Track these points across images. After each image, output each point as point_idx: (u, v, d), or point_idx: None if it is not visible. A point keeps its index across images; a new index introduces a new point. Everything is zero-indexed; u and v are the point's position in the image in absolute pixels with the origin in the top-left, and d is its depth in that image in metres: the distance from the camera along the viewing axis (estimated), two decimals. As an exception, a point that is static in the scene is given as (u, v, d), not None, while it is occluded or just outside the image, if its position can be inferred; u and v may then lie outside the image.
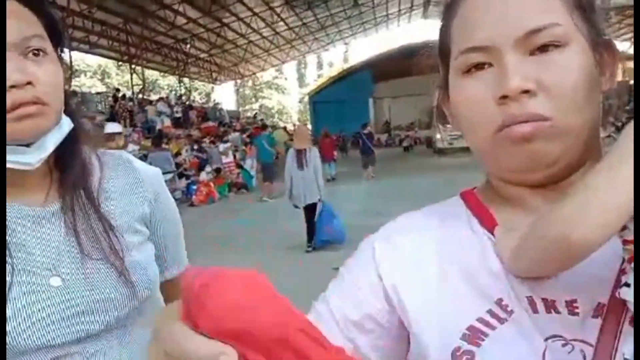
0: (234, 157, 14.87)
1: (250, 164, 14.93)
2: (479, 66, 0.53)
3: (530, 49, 0.50)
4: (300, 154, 6.23)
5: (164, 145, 12.22)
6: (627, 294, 0.43)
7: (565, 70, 0.49)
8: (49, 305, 0.74)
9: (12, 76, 0.68)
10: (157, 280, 0.89)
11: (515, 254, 0.50)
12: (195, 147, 14.71)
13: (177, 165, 12.44)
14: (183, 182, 12.46)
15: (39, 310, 0.73)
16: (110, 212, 0.83)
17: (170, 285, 1.00)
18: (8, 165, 0.72)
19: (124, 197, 0.86)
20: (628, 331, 0.45)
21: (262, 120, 26.71)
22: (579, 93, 0.49)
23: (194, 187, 12.26)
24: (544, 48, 0.50)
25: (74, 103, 0.87)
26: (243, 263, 6.36)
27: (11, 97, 0.68)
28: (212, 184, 12.55)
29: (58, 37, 0.80)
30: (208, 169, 13.10)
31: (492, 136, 0.52)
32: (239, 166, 14.59)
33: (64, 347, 0.75)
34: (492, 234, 0.56)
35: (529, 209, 0.56)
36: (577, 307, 0.50)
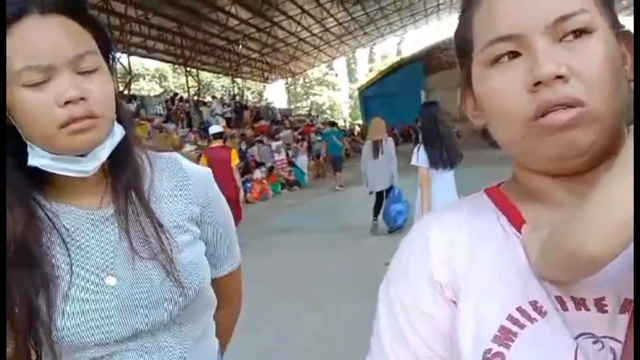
0: (287, 154, 15.04)
1: (303, 161, 15.05)
2: (508, 56, 0.52)
3: (559, 36, 0.50)
4: (376, 144, 6.71)
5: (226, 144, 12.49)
6: None
7: (595, 57, 0.49)
8: (105, 304, 0.78)
9: (67, 92, 0.71)
10: (208, 277, 0.91)
11: (540, 258, 0.50)
12: (248, 147, 14.98)
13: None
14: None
15: (96, 309, 0.77)
16: (161, 213, 0.86)
17: (223, 282, 1.02)
18: (66, 173, 0.76)
19: (174, 198, 0.89)
20: None
21: (330, 118, 26.77)
22: (608, 80, 0.49)
23: (249, 184, 12.52)
24: (573, 34, 0.50)
25: (126, 110, 0.90)
26: (312, 243, 6.80)
27: (66, 112, 0.72)
28: (265, 182, 12.78)
29: (108, 49, 0.83)
30: (262, 168, 13.34)
31: (526, 125, 0.51)
32: (291, 164, 14.75)
33: (119, 343, 0.79)
34: (520, 231, 0.56)
35: (554, 203, 0.56)
36: (605, 305, 0.50)
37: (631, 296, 0.48)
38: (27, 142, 0.75)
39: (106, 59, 0.82)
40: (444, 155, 4.06)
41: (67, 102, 0.72)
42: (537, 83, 0.49)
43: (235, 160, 7.02)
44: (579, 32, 0.50)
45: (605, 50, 0.50)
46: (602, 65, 0.49)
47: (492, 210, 0.60)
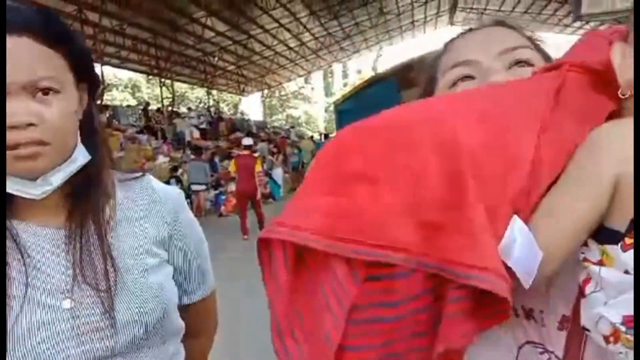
0: (262, 166, 14.97)
1: (279, 174, 15.01)
2: (463, 80, 0.62)
3: (508, 63, 0.61)
4: None
5: (202, 157, 12.40)
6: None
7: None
8: (59, 326, 0.74)
9: (13, 117, 0.69)
10: (173, 302, 0.88)
11: None
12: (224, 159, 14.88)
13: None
14: (212, 193, 12.60)
15: (51, 333, 0.73)
16: (126, 237, 0.83)
17: (195, 309, 0.98)
18: (16, 193, 0.74)
19: (142, 220, 0.86)
20: (592, 342, 0.49)
21: (292, 128, 26.89)
22: None
23: (223, 197, 12.39)
24: (519, 63, 0.62)
25: (101, 134, 0.88)
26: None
27: (11, 137, 0.69)
28: (240, 194, 12.68)
29: (85, 67, 0.80)
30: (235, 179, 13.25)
31: None
32: (268, 175, 14.68)
33: None
34: None
35: None
36: (544, 318, 0.55)
37: (568, 313, 0.53)
38: None
39: (83, 76, 0.79)
40: None
41: (12, 127, 0.69)
42: None
43: (258, 168, 8.89)
44: (522, 62, 0.62)
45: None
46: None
47: None
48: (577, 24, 23.91)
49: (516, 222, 0.47)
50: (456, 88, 0.63)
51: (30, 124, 0.70)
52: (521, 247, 0.45)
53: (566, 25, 25.55)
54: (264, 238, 0.48)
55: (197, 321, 0.99)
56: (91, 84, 0.83)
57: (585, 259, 0.47)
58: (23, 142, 0.70)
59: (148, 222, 0.87)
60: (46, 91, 0.73)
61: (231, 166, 9.31)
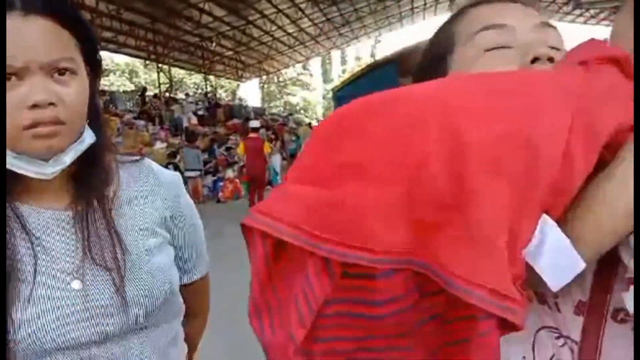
0: (270, 148, 14.93)
1: (277, 161, 15.00)
2: (499, 49, 0.55)
3: (539, 25, 0.56)
4: None
5: (196, 143, 12.39)
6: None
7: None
8: (70, 307, 0.76)
9: (35, 96, 0.70)
10: (176, 282, 0.90)
11: None
12: (222, 146, 14.85)
13: (205, 163, 12.58)
14: (209, 179, 12.60)
15: (61, 313, 0.75)
16: (130, 216, 0.85)
17: (193, 289, 1.01)
18: (24, 173, 0.75)
19: (144, 201, 0.88)
20: (610, 327, 0.47)
21: (290, 115, 26.82)
22: None
23: (221, 183, 12.39)
24: (546, 24, 0.56)
25: (103, 116, 0.90)
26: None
27: (32, 116, 0.71)
28: (237, 181, 12.67)
29: (93, 51, 0.82)
30: (235, 166, 13.23)
31: None
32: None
33: (83, 349, 0.77)
34: None
35: None
36: (558, 304, 0.52)
37: (585, 298, 0.50)
38: None
39: (90, 60, 0.81)
40: None
41: (34, 105, 0.70)
42: (535, 59, 0.52)
43: (267, 149, 9.32)
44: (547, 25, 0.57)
45: None
46: None
47: None
48: (577, 11, 23.75)
49: (547, 223, 0.42)
50: (491, 57, 0.54)
51: (51, 103, 0.72)
52: (552, 251, 0.41)
53: (566, 13, 25.42)
54: (245, 224, 0.46)
55: (195, 301, 1.02)
56: (97, 68, 0.84)
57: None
58: (43, 120, 0.71)
59: (150, 202, 0.89)
60: (63, 72, 0.74)
61: (240, 148, 9.59)
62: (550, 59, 0.52)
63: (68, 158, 0.77)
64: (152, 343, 0.84)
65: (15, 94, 0.70)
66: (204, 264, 1.05)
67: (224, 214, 9.89)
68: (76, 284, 0.77)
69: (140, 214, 0.87)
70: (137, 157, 0.95)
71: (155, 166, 0.96)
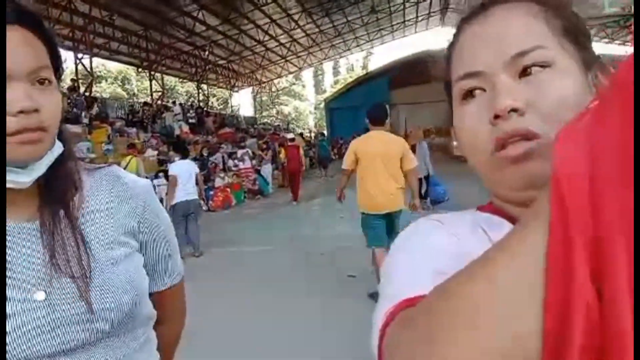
0: (251, 163, 14.94)
1: (268, 170, 14.98)
2: (475, 92, 0.56)
3: (518, 71, 0.53)
4: (413, 147, 8.78)
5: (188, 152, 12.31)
6: None
7: (552, 89, 0.51)
8: (34, 319, 0.75)
9: (21, 103, 0.71)
10: (144, 291, 0.90)
11: None
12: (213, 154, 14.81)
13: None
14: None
15: (26, 323, 0.74)
16: (95, 227, 0.85)
17: (163, 296, 1.00)
18: (8, 184, 0.75)
19: (110, 211, 0.88)
20: None
21: (288, 125, 26.78)
22: (565, 110, 0.50)
23: (211, 192, 12.35)
24: (530, 69, 0.52)
25: (65, 126, 0.90)
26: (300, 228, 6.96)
27: (18, 122, 0.71)
28: (228, 190, 12.64)
29: (59, 65, 0.83)
30: (222, 174, 13.21)
31: (490, 157, 0.54)
32: (256, 171, 14.65)
33: (51, 358, 0.76)
34: None
35: None
36: None
37: None
38: None
39: (56, 74, 0.82)
40: None
41: (20, 112, 0.71)
42: (497, 117, 0.52)
43: (301, 152, 13.77)
44: (537, 67, 0.52)
45: (564, 82, 0.52)
46: (557, 96, 0.51)
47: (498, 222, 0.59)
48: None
49: None
50: (469, 101, 0.56)
51: (35, 110, 0.73)
52: None
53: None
54: None
55: (167, 308, 1.01)
56: (59, 79, 0.86)
57: None
58: (30, 127, 0.72)
59: (117, 211, 0.88)
60: (42, 80, 0.76)
61: (282, 153, 14.67)
62: (514, 110, 0.51)
63: (43, 166, 0.78)
64: (117, 351, 0.83)
65: (19, 100, 0.71)
66: (176, 271, 1.03)
67: (212, 223, 9.84)
68: (40, 295, 0.76)
69: (105, 224, 0.86)
70: (104, 165, 0.95)
71: (123, 173, 0.95)
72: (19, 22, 0.73)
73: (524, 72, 0.53)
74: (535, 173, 0.51)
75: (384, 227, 4.36)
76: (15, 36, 0.72)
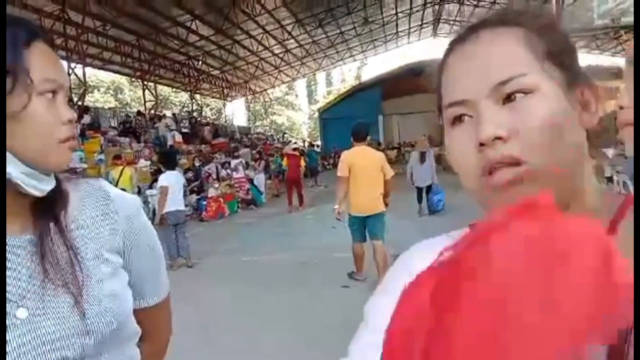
0: (245, 173, 14.92)
1: (261, 180, 14.95)
2: (462, 117, 0.57)
3: (501, 98, 0.54)
4: (422, 154, 9.80)
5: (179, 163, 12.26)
6: None
7: (534, 116, 0.52)
8: (16, 338, 0.73)
9: (69, 113, 0.80)
10: (129, 309, 0.88)
11: None
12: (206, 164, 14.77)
13: (188, 181, 12.47)
14: (193, 198, 12.49)
15: (9, 342, 0.72)
16: (80, 242, 0.83)
17: (148, 314, 0.98)
18: (29, 189, 0.76)
19: (96, 227, 0.86)
20: None
21: (284, 135, 26.86)
22: (548, 134, 0.51)
23: (204, 202, 12.29)
24: (513, 97, 0.53)
25: None
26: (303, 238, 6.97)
27: (70, 130, 0.80)
28: (221, 200, 12.59)
29: None
30: (216, 184, 13.16)
31: (479, 180, 0.55)
32: (250, 181, 14.60)
33: None
34: None
35: None
36: None
37: None
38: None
39: None
40: None
41: (69, 121, 0.79)
42: (482, 144, 0.53)
43: (302, 164, 14.56)
44: (519, 94, 0.53)
45: (547, 106, 0.52)
46: (540, 121, 0.52)
47: None
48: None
49: None
50: (458, 126, 0.58)
51: (70, 121, 0.80)
52: None
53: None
54: None
55: (150, 326, 0.99)
56: None
57: None
58: (75, 136, 0.81)
59: (102, 228, 0.87)
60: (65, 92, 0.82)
61: (284, 162, 14.42)
62: (499, 138, 0.52)
63: (53, 176, 0.81)
64: None
65: (54, 108, 0.77)
66: (162, 289, 1.02)
67: (205, 233, 9.79)
68: (21, 313, 0.74)
69: (91, 240, 0.85)
70: (91, 179, 0.93)
71: (110, 188, 0.93)
72: (41, 37, 0.79)
73: (508, 98, 0.54)
74: (521, 198, 0.51)
75: (364, 226, 5.39)
76: (49, 51, 0.79)
